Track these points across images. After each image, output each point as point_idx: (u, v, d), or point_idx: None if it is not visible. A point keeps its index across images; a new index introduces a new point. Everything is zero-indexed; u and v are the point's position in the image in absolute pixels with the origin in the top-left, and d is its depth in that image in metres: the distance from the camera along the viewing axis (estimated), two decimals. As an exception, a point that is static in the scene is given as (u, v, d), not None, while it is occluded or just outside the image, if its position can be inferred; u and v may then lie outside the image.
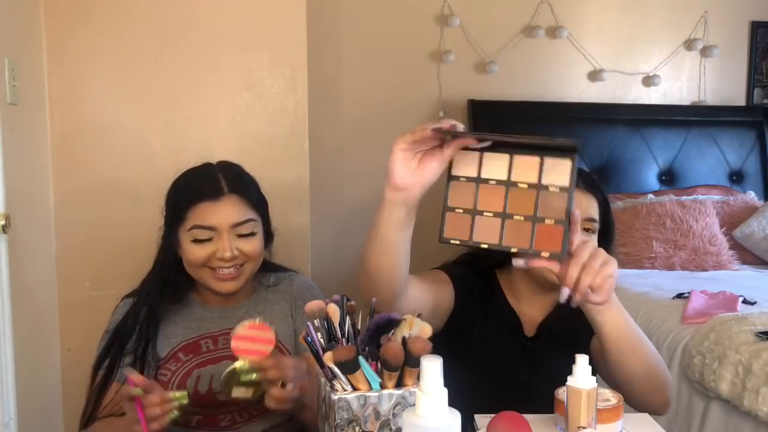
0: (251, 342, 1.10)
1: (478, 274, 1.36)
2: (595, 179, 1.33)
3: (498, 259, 1.34)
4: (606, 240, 1.29)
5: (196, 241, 1.28)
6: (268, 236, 1.40)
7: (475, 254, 1.38)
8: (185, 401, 1.11)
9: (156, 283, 1.34)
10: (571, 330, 1.27)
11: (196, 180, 1.34)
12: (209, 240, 1.28)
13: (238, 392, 1.11)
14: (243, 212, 1.31)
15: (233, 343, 1.11)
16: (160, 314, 1.32)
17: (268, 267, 1.44)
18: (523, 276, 1.32)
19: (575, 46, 3.22)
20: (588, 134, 3.14)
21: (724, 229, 2.77)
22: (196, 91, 2.03)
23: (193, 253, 1.28)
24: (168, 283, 1.34)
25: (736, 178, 3.28)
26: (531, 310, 1.35)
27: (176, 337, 1.32)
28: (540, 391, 1.09)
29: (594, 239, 1.25)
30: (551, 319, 1.34)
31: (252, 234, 1.31)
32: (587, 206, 1.25)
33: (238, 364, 1.10)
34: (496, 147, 0.97)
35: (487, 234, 0.96)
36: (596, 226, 1.25)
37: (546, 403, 1.06)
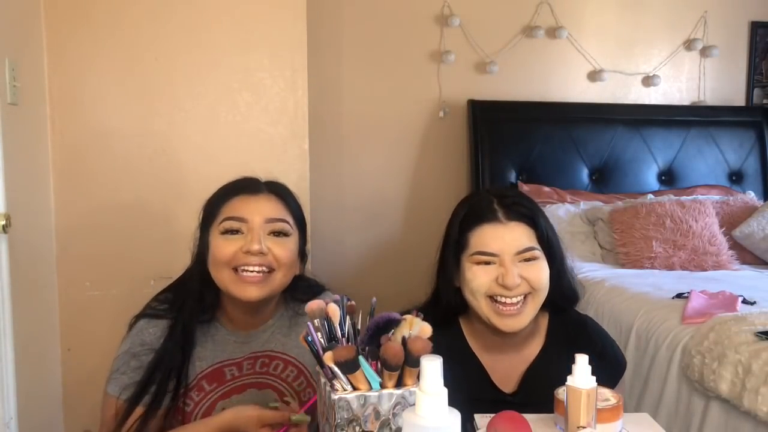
0: None
1: (441, 321, 1.18)
2: (517, 203, 1.18)
3: (458, 303, 1.22)
4: (552, 260, 1.18)
5: (226, 233, 1.19)
6: (303, 256, 1.31)
7: (431, 303, 1.26)
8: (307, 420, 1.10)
9: (187, 298, 1.24)
10: (559, 376, 1.07)
11: (236, 180, 1.28)
12: (239, 234, 1.19)
13: None
14: (279, 211, 1.23)
15: None
16: (194, 335, 1.23)
17: (301, 293, 1.33)
18: (482, 321, 1.19)
19: (575, 46, 3.22)
20: (588, 134, 3.14)
21: (723, 229, 2.77)
22: (196, 91, 2.04)
23: (220, 248, 1.19)
24: (197, 296, 1.24)
25: (736, 178, 3.29)
26: (504, 364, 1.22)
27: (201, 363, 1.23)
28: None
29: (538, 264, 1.16)
30: (534, 371, 1.21)
31: (285, 235, 1.22)
32: (511, 240, 1.15)
33: None
34: None
35: None
36: (536, 252, 1.16)
37: None
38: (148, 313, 1.26)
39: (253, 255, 1.17)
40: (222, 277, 1.20)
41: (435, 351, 0.88)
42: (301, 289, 1.34)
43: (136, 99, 2.00)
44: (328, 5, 2.91)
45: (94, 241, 1.99)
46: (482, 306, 1.17)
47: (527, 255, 1.15)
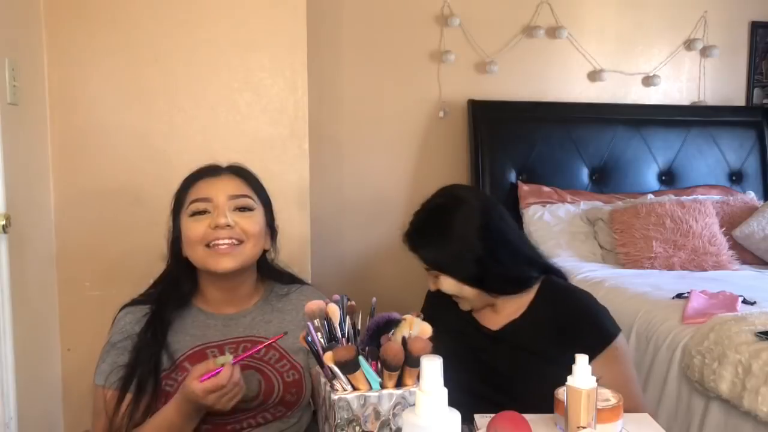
0: None
1: None
2: (412, 240, 1.43)
3: None
4: (459, 277, 1.35)
5: (194, 215, 1.26)
6: (273, 233, 1.38)
7: None
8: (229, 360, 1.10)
9: (165, 286, 1.33)
10: (540, 329, 1.34)
11: (198, 168, 1.36)
12: (206, 213, 1.26)
13: None
14: (241, 188, 1.31)
15: None
16: (169, 321, 1.29)
17: (278, 276, 1.41)
18: None
19: (575, 46, 3.22)
20: (588, 134, 3.14)
21: (723, 229, 2.77)
22: (196, 91, 2.03)
23: (191, 229, 1.26)
24: (176, 284, 1.31)
25: (736, 178, 3.28)
26: (488, 315, 1.41)
27: (181, 346, 1.27)
28: (514, 384, 1.20)
29: (442, 279, 1.37)
30: (518, 321, 1.38)
31: (250, 210, 1.29)
32: (420, 258, 1.40)
33: None
34: None
35: None
36: (434, 272, 1.38)
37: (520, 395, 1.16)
38: (128, 303, 1.34)
39: (221, 228, 1.25)
40: (196, 255, 1.27)
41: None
42: (276, 270, 1.42)
43: (135, 99, 2.00)
44: (328, 5, 2.91)
45: (93, 240, 1.99)
46: None
47: (432, 273, 1.38)
